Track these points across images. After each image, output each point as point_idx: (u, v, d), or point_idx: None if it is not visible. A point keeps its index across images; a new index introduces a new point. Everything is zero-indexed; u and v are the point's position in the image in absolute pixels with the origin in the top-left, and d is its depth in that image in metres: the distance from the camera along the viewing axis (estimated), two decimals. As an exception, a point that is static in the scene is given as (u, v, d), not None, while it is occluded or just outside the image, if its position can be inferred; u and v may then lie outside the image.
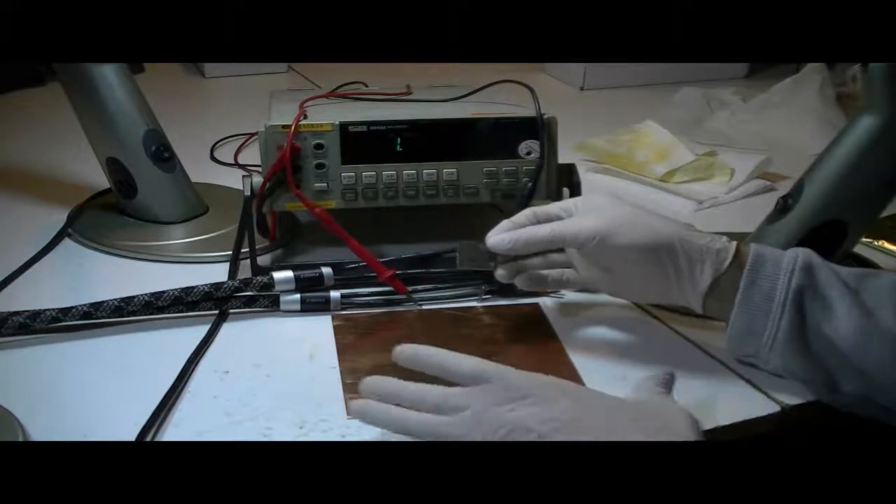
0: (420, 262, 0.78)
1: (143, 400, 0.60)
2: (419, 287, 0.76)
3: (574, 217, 0.66)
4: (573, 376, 0.66)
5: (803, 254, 0.62)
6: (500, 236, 0.67)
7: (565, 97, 1.44)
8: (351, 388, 0.63)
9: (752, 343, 0.63)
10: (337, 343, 0.69)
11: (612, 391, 0.64)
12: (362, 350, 0.68)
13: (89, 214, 0.89)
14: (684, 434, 0.53)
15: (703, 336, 0.71)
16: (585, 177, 0.85)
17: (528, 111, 0.80)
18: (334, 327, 0.72)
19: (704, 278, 0.63)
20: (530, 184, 0.79)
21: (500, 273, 0.71)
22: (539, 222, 0.67)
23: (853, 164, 0.71)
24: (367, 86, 0.95)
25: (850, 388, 0.59)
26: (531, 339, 0.72)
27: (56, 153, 1.06)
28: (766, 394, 0.64)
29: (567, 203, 0.68)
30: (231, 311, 0.73)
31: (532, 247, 0.67)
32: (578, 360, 0.68)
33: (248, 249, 0.77)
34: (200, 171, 0.98)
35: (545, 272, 0.72)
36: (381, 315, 0.74)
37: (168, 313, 0.71)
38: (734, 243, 0.64)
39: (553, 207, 0.68)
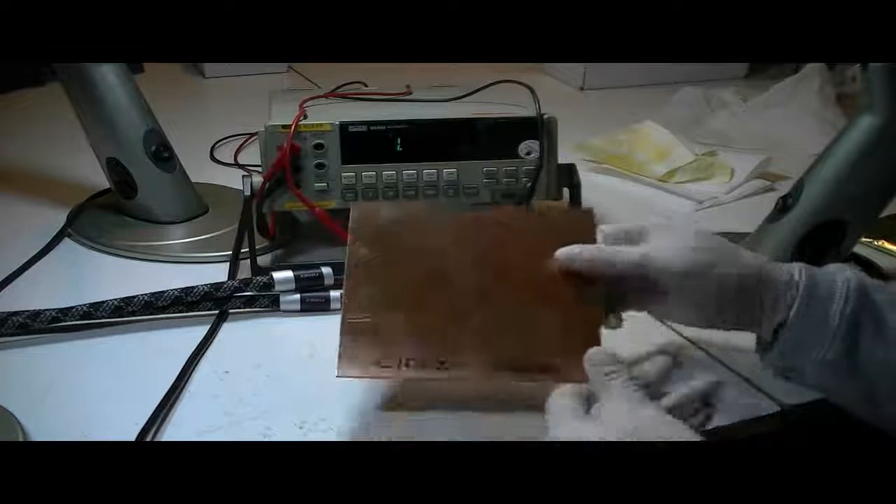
0: (420, 262, 0.78)
1: (143, 400, 0.60)
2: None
3: (658, 244, 0.59)
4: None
5: (854, 275, 0.58)
6: (572, 248, 0.60)
7: (565, 97, 1.44)
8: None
9: (799, 359, 0.59)
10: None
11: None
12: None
13: (89, 214, 0.89)
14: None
15: (703, 336, 0.71)
16: (585, 177, 0.86)
17: (528, 111, 0.80)
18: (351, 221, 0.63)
19: (781, 310, 0.59)
20: (530, 184, 0.79)
21: None
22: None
23: (853, 164, 0.71)
24: (367, 86, 0.95)
25: (892, 408, 0.58)
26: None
27: (56, 153, 1.07)
28: (766, 394, 0.64)
29: (634, 229, 0.62)
30: (231, 311, 0.73)
31: (612, 268, 0.59)
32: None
33: (248, 249, 0.77)
34: (200, 171, 0.98)
35: None
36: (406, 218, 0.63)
37: (168, 313, 0.71)
38: (800, 270, 0.59)
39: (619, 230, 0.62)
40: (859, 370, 0.58)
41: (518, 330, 0.60)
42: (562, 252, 0.60)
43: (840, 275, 0.59)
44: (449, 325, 0.59)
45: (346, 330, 0.59)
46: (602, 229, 0.62)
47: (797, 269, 0.60)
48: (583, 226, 0.62)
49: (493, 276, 0.61)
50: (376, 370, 0.58)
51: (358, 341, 0.59)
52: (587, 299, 0.60)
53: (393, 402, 0.62)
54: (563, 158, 0.82)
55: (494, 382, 0.60)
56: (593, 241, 0.61)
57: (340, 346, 0.59)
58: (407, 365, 0.58)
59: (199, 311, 0.72)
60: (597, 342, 0.59)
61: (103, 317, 0.69)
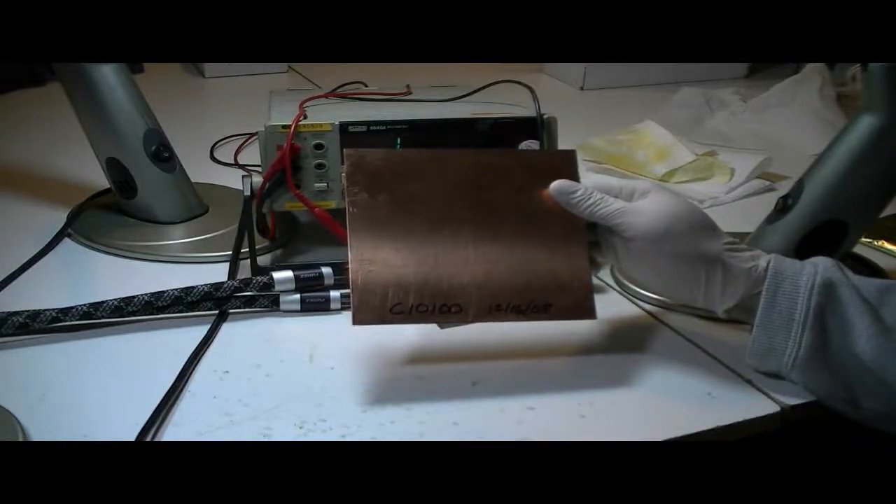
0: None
1: (143, 400, 0.60)
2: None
3: (638, 205, 0.63)
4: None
5: (822, 269, 0.61)
6: (569, 183, 0.63)
7: (565, 97, 1.44)
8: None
9: (774, 361, 0.63)
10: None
11: (611, 389, 0.64)
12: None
13: (89, 214, 0.89)
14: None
15: (703, 336, 0.71)
16: (585, 177, 0.85)
17: (528, 111, 0.80)
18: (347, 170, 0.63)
19: (734, 297, 0.63)
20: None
21: None
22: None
23: (853, 164, 0.71)
24: (367, 86, 0.95)
25: (871, 405, 0.59)
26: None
27: (56, 153, 1.07)
28: (766, 394, 0.64)
29: (627, 186, 0.65)
30: (231, 311, 0.73)
31: (591, 209, 0.62)
32: (577, 347, 0.68)
33: (248, 249, 0.77)
34: (200, 171, 0.98)
35: None
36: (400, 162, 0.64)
37: (168, 313, 0.71)
38: (768, 262, 0.62)
39: (614, 181, 0.65)
40: (830, 366, 0.59)
41: (515, 270, 0.62)
42: (554, 185, 0.63)
43: (808, 268, 0.61)
44: (450, 269, 0.62)
45: (355, 280, 0.61)
46: (606, 180, 0.65)
47: (764, 261, 0.63)
48: (565, 163, 0.65)
49: (486, 217, 0.63)
50: (390, 317, 0.60)
51: (368, 291, 0.60)
52: (575, 236, 0.64)
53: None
54: (563, 158, 0.82)
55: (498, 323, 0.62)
56: (576, 178, 0.64)
57: (352, 297, 0.60)
58: (417, 310, 0.61)
59: (199, 311, 0.72)
60: (588, 277, 0.63)
61: (103, 317, 0.69)
